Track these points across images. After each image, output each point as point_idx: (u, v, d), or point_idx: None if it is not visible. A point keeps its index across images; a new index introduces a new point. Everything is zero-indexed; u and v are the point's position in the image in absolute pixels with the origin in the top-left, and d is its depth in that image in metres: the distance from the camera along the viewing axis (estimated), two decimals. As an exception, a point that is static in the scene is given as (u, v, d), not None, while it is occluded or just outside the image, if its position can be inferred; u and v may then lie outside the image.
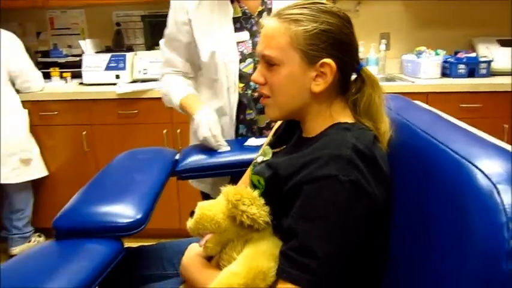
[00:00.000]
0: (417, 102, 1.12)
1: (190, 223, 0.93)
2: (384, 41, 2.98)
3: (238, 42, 1.47)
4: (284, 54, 0.87)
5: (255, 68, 1.39)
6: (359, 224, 0.81)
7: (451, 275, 0.61)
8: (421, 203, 0.75)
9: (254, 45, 1.47)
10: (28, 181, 2.58)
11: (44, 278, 0.83)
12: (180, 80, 1.57)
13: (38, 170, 2.61)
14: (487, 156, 0.64)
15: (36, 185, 2.70)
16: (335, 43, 0.87)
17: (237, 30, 1.48)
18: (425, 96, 2.49)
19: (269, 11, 1.49)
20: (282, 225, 0.87)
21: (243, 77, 1.46)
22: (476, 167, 0.62)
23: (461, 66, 2.68)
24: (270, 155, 1.01)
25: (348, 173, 0.78)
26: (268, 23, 0.91)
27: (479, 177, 0.60)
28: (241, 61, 1.47)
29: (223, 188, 0.91)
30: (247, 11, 1.49)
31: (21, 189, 2.58)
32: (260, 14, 1.49)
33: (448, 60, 2.74)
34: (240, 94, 1.47)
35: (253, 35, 1.49)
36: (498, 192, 0.56)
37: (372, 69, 2.93)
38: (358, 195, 0.79)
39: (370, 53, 2.95)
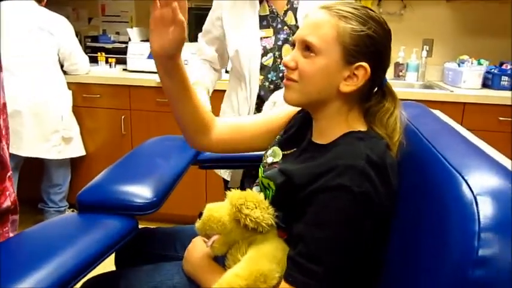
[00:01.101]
0: (435, 111, 1.12)
1: (198, 224, 0.97)
2: (426, 47, 2.94)
3: (262, 38, 1.57)
4: (327, 45, 0.88)
5: (274, 61, 1.54)
6: (368, 236, 0.83)
7: (430, 276, 0.63)
8: (416, 210, 0.77)
9: (276, 41, 1.58)
10: (67, 158, 2.72)
11: (60, 244, 0.91)
12: (200, 67, 1.71)
13: (77, 149, 2.74)
14: (476, 168, 0.66)
15: (74, 163, 2.84)
16: (376, 52, 0.89)
17: (262, 27, 1.58)
18: (462, 106, 2.44)
19: (294, 10, 1.56)
20: (291, 230, 0.90)
21: (263, 69, 1.57)
22: (463, 178, 0.64)
23: (505, 78, 2.61)
24: (280, 157, 1.02)
25: (360, 184, 0.80)
26: (316, 13, 0.91)
27: (463, 187, 0.62)
28: (263, 55, 1.57)
29: (228, 193, 0.95)
30: (274, 10, 1.58)
31: (60, 166, 2.72)
32: (285, 13, 1.58)
33: (491, 71, 2.67)
34: (259, 86, 1.57)
35: (276, 32, 1.58)
36: (477, 203, 0.58)
37: (411, 75, 2.91)
38: (368, 207, 0.81)
39: (411, 58, 2.91)
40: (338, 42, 0.87)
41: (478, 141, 0.85)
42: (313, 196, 0.84)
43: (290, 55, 0.93)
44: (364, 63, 0.88)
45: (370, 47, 0.88)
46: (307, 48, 0.90)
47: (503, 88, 2.59)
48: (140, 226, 1.10)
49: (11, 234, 1.01)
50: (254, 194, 0.92)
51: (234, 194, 0.93)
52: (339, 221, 0.81)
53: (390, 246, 0.86)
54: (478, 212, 0.57)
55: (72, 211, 2.90)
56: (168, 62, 0.96)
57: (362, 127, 0.93)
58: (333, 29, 0.87)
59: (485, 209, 0.57)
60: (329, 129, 0.94)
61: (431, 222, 0.68)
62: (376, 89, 0.96)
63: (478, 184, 0.61)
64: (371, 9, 0.91)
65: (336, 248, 0.81)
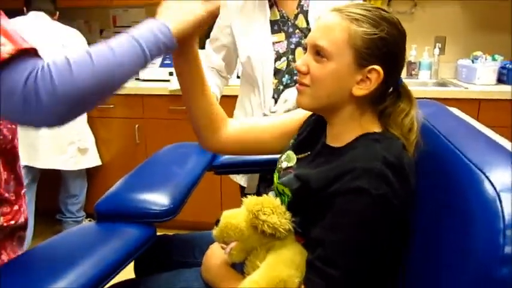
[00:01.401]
0: (451, 108, 1.11)
1: (215, 231, 0.97)
2: (438, 44, 2.91)
3: (274, 42, 1.57)
4: (338, 49, 0.86)
5: (288, 65, 1.54)
6: (385, 239, 0.82)
7: (453, 275, 0.62)
8: (437, 208, 0.76)
9: (289, 45, 1.58)
10: (83, 169, 2.75)
11: (80, 253, 0.91)
12: (210, 76, 1.68)
13: (93, 159, 2.77)
14: (498, 164, 0.65)
15: (89, 173, 2.86)
16: (389, 53, 0.87)
17: (274, 31, 1.58)
18: (478, 103, 2.40)
19: (305, 13, 1.55)
20: (309, 234, 0.89)
21: (277, 74, 1.57)
22: (484, 175, 0.63)
23: (520, 73, 2.57)
24: (295, 161, 1.01)
25: (378, 187, 0.79)
26: (328, 16, 0.89)
27: (486, 184, 0.61)
28: (276, 60, 1.57)
29: (244, 199, 0.94)
30: (284, 14, 1.58)
31: (77, 176, 2.75)
32: (296, 17, 1.58)
33: (506, 66, 2.63)
34: (273, 90, 1.57)
35: (288, 36, 1.58)
36: (500, 200, 0.57)
37: (424, 73, 2.89)
38: (386, 210, 0.80)
39: (424, 56, 2.89)
40: (349, 46, 0.85)
41: (497, 137, 0.83)
42: (330, 200, 0.83)
43: (301, 59, 0.92)
44: (376, 67, 0.86)
45: (383, 49, 0.86)
46: (318, 52, 0.88)
47: (519, 83, 2.56)
48: (158, 233, 1.10)
49: (19, 251, 1.03)
50: (271, 200, 0.91)
51: (251, 200, 0.92)
52: (357, 224, 0.80)
53: (411, 245, 0.85)
54: (502, 209, 0.56)
55: (90, 221, 2.93)
56: (183, 44, 0.92)
57: (377, 129, 0.92)
58: (344, 32, 0.86)
59: (509, 206, 0.56)
60: (343, 132, 0.92)
61: (454, 221, 0.67)
62: (391, 89, 0.94)
63: (501, 181, 0.60)
64: (384, 10, 0.89)
65: (354, 251, 0.81)
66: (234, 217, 0.95)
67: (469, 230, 0.60)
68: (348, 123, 0.92)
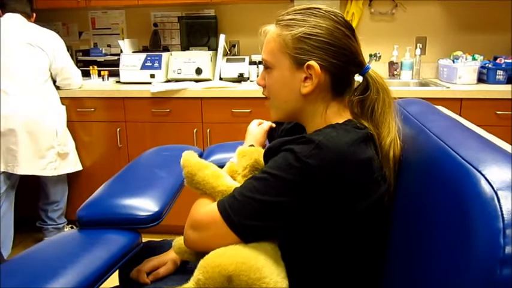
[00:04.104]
0: (438, 107, 1.10)
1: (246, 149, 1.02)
2: (419, 45, 2.93)
3: None
4: (275, 58, 0.93)
5: None
6: (296, 209, 0.81)
7: (450, 278, 0.61)
8: (426, 207, 0.75)
9: None
10: (64, 174, 2.67)
11: (62, 263, 0.88)
12: None
13: (73, 164, 2.70)
14: (493, 162, 0.63)
15: (70, 179, 2.79)
16: (321, 46, 0.89)
17: None
18: (459, 102, 2.43)
19: None
20: None
21: None
22: (480, 173, 0.61)
23: (500, 72, 2.60)
24: None
25: (308, 155, 0.79)
26: (268, 28, 0.96)
27: (482, 182, 0.59)
28: None
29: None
30: None
31: (57, 182, 2.68)
32: None
33: (485, 65, 2.66)
34: None
35: None
36: (498, 199, 0.56)
37: (406, 73, 2.91)
38: (305, 177, 0.79)
39: (405, 57, 2.91)
40: (282, 52, 0.91)
41: (488, 135, 0.83)
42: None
43: (260, 74, 1.00)
44: (311, 62, 0.89)
45: (314, 43, 0.89)
46: (265, 65, 0.96)
47: (499, 82, 2.59)
48: (144, 240, 1.07)
49: None
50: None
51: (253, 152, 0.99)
52: (271, 174, 0.82)
53: (393, 245, 0.84)
54: (500, 208, 0.55)
55: (71, 228, 2.86)
56: None
57: (341, 120, 0.92)
58: (276, 41, 0.92)
59: (508, 204, 0.55)
60: (314, 128, 0.94)
61: (449, 222, 0.65)
62: (362, 79, 0.95)
63: (498, 179, 0.59)
64: (319, 8, 0.91)
65: (256, 192, 0.82)
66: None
67: (467, 230, 0.58)
68: (316, 119, 0.95)
